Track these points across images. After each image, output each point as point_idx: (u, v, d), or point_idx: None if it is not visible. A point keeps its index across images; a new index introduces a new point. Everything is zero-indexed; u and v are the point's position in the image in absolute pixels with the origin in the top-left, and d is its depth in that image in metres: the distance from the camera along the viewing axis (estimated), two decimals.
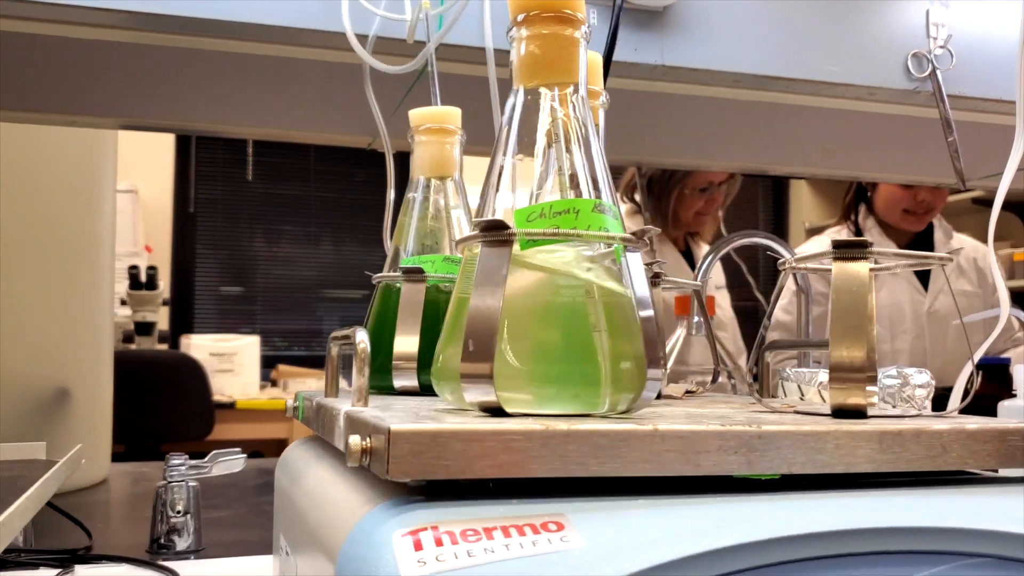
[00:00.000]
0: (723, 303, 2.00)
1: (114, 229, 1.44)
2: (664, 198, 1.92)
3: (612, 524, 0.34)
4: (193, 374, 2.93)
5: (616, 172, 2.09)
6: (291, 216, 4.02)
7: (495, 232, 0.42)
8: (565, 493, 0.37)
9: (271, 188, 4.01)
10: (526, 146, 0.46)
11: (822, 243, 2.08)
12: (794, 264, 0.51)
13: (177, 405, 2.91)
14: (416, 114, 0.67)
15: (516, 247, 0.42)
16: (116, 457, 2.26)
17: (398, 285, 0.64)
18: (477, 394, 0.40)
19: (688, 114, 1.14)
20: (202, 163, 3.91)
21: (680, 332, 1.03)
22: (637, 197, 1.96)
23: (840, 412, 0.46)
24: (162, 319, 3.50)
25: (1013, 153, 0.65)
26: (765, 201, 4.51)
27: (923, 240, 2.02)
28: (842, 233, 2.07)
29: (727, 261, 2.00)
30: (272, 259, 4.03)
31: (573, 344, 0.42)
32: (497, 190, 0.45)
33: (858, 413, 0.45)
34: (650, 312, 0.43)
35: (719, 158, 1.32)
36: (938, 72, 0.92)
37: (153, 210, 3.81)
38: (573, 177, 0.45)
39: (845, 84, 0.91)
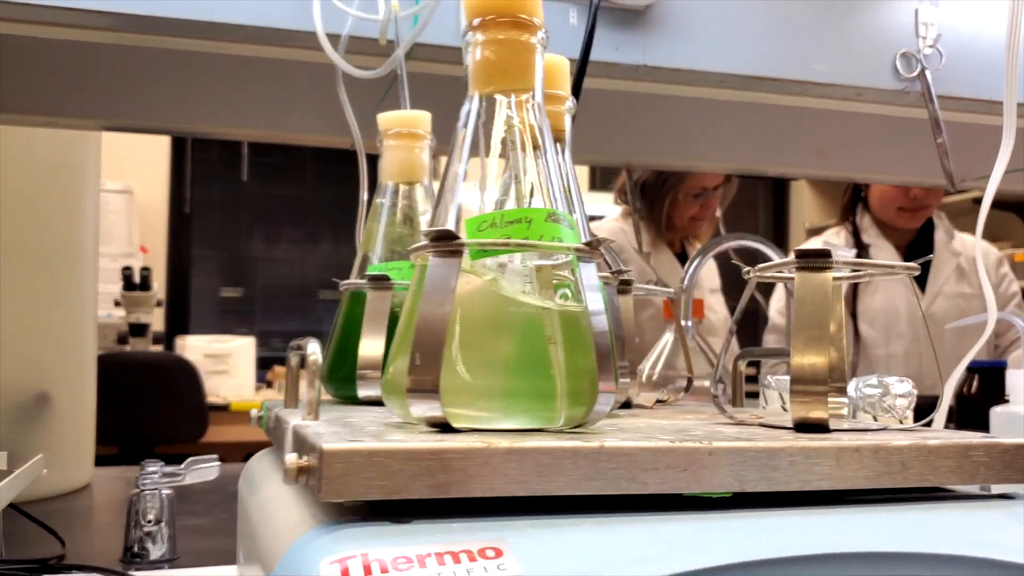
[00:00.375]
0: (717, 307, 1.98)
1: (97, 230, 1.42)
2: (657, 204, 1.90)
3: (553, 549, 0.33)
4: (186, 375, 2.92)
5: (612, 173, 2.08)
6: (288, 217, 4.01)
7: (444, 242, 0.41)
8: (512, 510, 0.36)
9: (268, 188, 4.00)
10: (481, 154, 0.45)
11: (818, 244, 2.06)
12: (757, 274, 0.50)
13: (170, 407, 2.90)
14: (385, 118, 0.66)
15: (467, 257, 0.41)
16: (109, 460, 2.25)
17: (365, 292, 0.63)
18: (424, 409, 0.39)
19: (679, 115, 1.13)
20: (198, 163, 3.90)
21: (667, 336, 1.02)
22: (630, 198, 1.95)
23: (802, 426, 0.45)
24: (157, 320, 3.50)
25: (1000, 155, 0.64)
26: (765, 202, 4.50)
27: (924, 239, 1.99)
28: (840, 234, 2.04)
29: (725, 263, 1.98)
30: (269, 260, 4.02)
31: (521, 357, 0.41)
32: (451, 198, 0.44)
33: (820, 427, 0.44)
34: (603, 324, 0.41)
35: (710, 159, 1.31)
36: (927, 72, 0.91)
37: (148, 211, 3.80)
38: (528, 185, 0.44)
39: (832, 84, 0.90)
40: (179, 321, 3.83)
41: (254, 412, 0.64)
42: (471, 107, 0.45)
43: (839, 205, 2.14)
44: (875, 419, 0.58)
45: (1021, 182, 1.37)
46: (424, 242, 0.41)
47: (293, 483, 0.36)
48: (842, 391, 0.53)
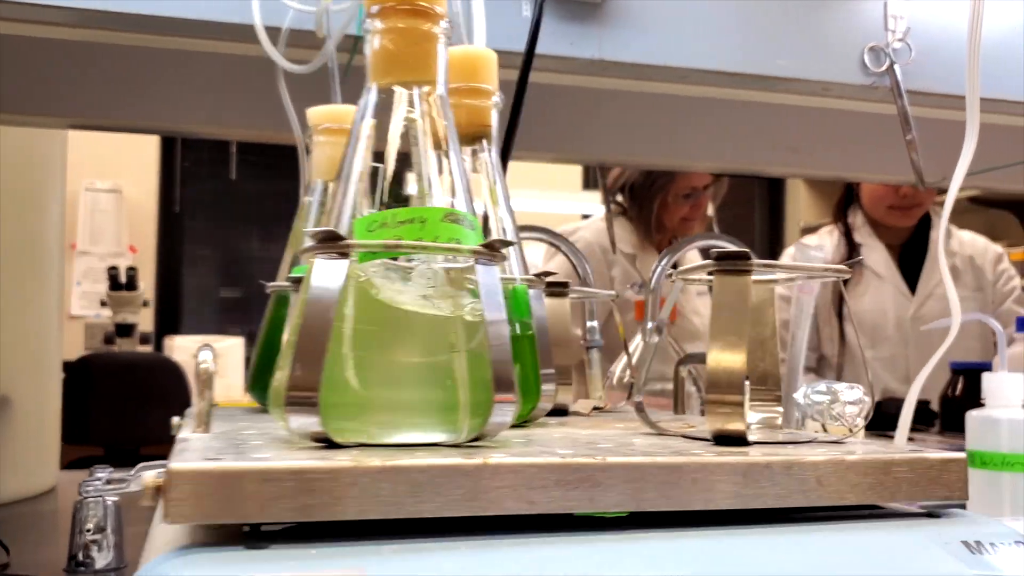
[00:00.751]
0: (703, 310, 1.94)
1: (62, 230, 1.40)
2: (646, 205, 1.87)
3: None
4: (172, 376, 2.90)
5: (604, 172, 2.05)
6: (280, 215, 3.98)
7: (329, 244, 0.38)
8: (398, 533, 0.33)
9: (260, 187, 3.98)
10: (378, 148, 0.42)
11: (811, 241, 2.03)
12: (680, 277, 0.47)
13: (155, 408, 2.88)
14: (315, 113, 0.64)
15: (356, 260, 0.39)
16: (93, 462, 2.23)
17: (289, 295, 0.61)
18: (303, 422, 0.37)
19: (652, 112, 1.10)
20: (188, 162, 3.87)
21: (638, 338, 1.00)
22: (619, 198, 1.91)
23: (721, 438, 0.42)
24: (147, 321, 3.48)
25: (964, 152, 0.61)
26: (761, 201, 4.48)
27: (920, 238, 1.94)
28: (834, 233, 2.01)
29: None
30: (262, 259, 3.99)
31: (411, 367, 0.38)
32: (345, 196, 0.42)
33: (740, 440, 0.42)
34: (501, 331, 0.39)
35: (685, 157, 1.28)
36: (896, 66, 0.88)
37: (138, 210, 3.78)
38: (427, 183, 0.42)
39: (798, 79, 0.87)
40: (170, 321, 3.81)
41: (175, 420, 0.61)
42: (368, 99, 0.42)
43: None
44: (824, 427, 0.55)
45: (1009, 181, 1.34)
46: (309, 244, 0.39)
47: (152, 503, 0.34)
48: (778, 399, 0.50)
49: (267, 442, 0.40)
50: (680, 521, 0.36)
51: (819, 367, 1.89)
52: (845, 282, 2.00)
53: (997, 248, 2.02)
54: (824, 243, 1.97)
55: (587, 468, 0.35)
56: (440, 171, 0.42)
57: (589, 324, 0.83)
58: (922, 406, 1.53)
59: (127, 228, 3.72)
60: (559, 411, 0.59)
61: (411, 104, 0.42)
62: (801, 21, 0.87)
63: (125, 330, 3.10)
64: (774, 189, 4.40)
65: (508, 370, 0.38)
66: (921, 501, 0.40)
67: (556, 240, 0.81)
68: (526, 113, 1.04)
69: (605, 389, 0.91)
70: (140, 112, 1.03)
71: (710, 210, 1.95)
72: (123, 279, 3.08)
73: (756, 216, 4.46)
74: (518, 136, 1.10)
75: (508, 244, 0.40)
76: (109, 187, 3.70)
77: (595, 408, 0.61)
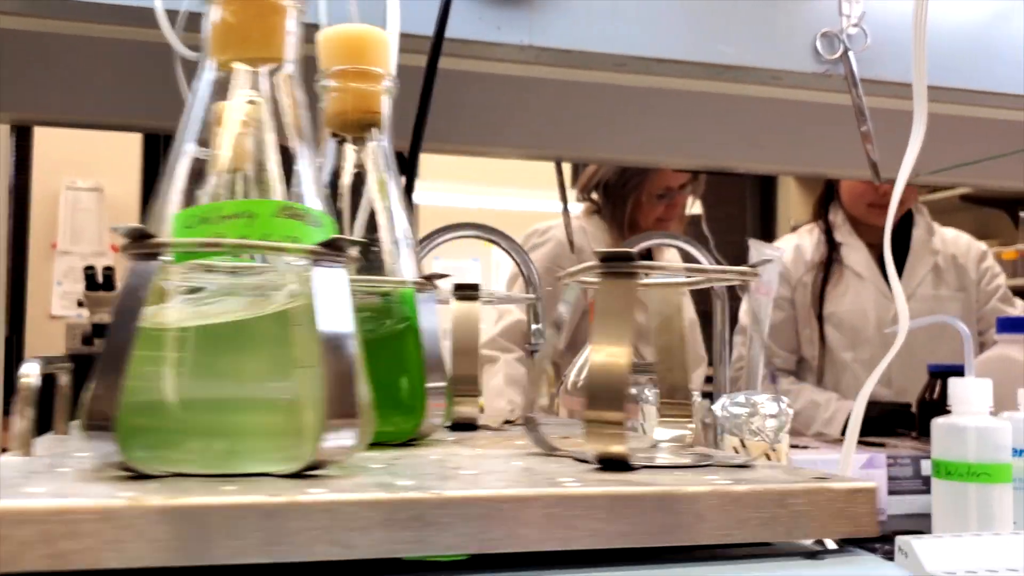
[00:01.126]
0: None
1: (8, 229, 1.36)
2: (620, 205, 1.82)
3: None
4: None
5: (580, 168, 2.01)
6: None
7: (138, 243, 0.33)
8: None
9: None
10: (215, 133, 0.37)
11: (790, 241, 1.98)
12: (568, 279, 0.42)
13: None
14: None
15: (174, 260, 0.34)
16: None
17: None
18: (101, 449, 0.32)
19: (614, 106, 1.05)
20: None
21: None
22: (594, 196, 1.87)
23: (606, 461, 0.37)
24: None
25: (912, 142, 0.56)
26: (752, 199, 4.42)
27: (902, 236, 1.89)
28: (814, 231, 1.96)
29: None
30: None
31: (230, 385, 0.33)
32: (169, 188, 0.37)
33: (622, 464, 0.37)
34: (343, 344, 0.34)
35: (648, 152, 1.23)
36: (850, 53, 0.82)
37: (120, 209, 3.73)
38: (277, 175, 0.37)
39: (744, 67, 0.81)
40: None
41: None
42: (204, 78, 0.37)
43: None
44: (742, 442, 0.50)
45: (1000, 177, 1.29)
46: (123, 242, 0.34)
47: None
48: (687, 414, 0.45)
49: (79, 471, 0.35)
50: (533, 563, 0.31)
51: (799, 370, 1.84)
52: (826, 281, 1.95)
53: (981, 246, 1.96)
54: (804, 242, 1.92)
55: (418, 505, 0.30)
56: (286, 161, 0.37)
57: (534, 327, 0.79)
58: (903, 410, 1.48)
59: (109, 227, 3.68)
60: (465, 425, 0.54)
61: (254, 84, 0.37)
62: (748, 6, 0.82)
63: (102, 330, 3.05)
64: (765, 188, 4.35)
65: (347, 387, 0.33)
66: (822, 537, 0.35)
67: (493, 236, 0.76)
68: (488, 108, 0.98)
69: (561, 394, 0.86)
70: (83, 105, 0.98)
71: (698, 208, 1.89)
72: (100, 279, 3.03)
73: (748, 215, 4.40)
74: (483, 132, 1.05)
75: (356, 244, 0.35)
76: (91, 186, 3.66)
77: (507, 422, 0.56)
